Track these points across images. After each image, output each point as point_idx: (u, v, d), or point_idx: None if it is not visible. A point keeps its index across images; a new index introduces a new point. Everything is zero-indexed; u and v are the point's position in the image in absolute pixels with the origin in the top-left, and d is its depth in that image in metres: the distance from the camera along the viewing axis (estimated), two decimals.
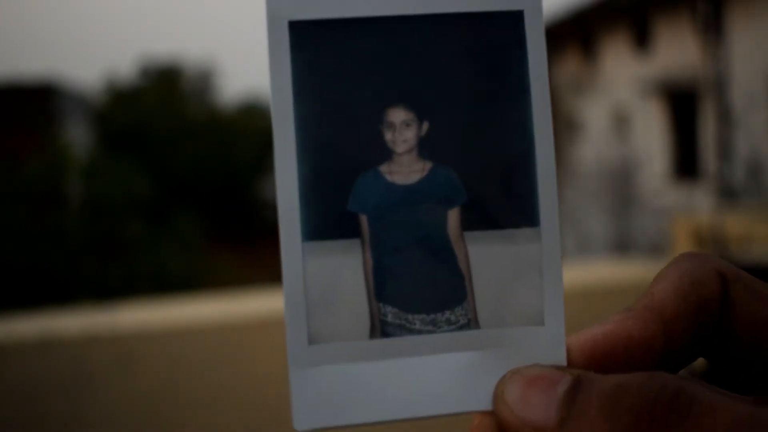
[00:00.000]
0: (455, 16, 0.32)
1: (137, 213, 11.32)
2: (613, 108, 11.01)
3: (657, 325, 0.30)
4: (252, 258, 14.22)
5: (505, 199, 0.32)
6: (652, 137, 10.22)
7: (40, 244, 10.01)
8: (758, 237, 3.41)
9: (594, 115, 11.49)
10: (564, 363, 0.31)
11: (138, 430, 2.62)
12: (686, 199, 9.23)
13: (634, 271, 3.27)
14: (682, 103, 9.63)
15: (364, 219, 0.32)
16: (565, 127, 12.16)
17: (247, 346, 2.67)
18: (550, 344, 0.32)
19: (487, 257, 0.32)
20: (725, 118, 8.54)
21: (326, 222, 0.31)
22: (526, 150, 0.33)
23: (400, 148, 0.32)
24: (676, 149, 9.85)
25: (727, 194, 8.21)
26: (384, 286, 0.32)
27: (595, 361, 0.30)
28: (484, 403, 0.31)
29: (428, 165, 0.32)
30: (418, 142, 0.32)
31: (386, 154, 0.32)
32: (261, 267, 13.27)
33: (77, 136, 14.74)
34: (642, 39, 10.32)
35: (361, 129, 0.32)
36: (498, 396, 0.30)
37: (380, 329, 0.31)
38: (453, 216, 0.32)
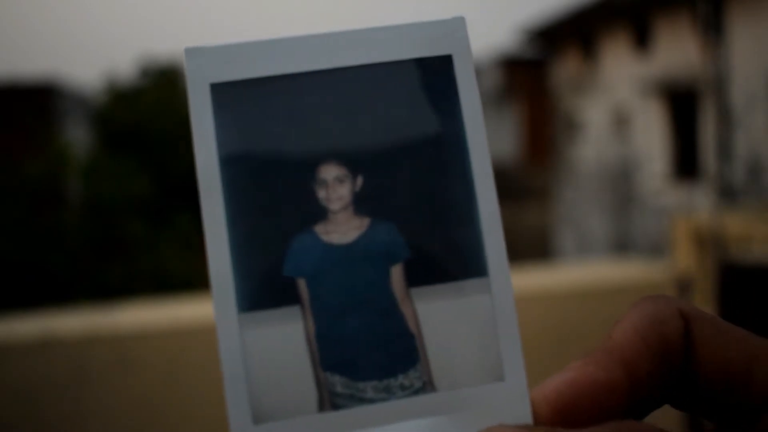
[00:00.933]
0: (382, 65, 0.31)
1: (137, 213, 11.32)
2: (613, 108, 11.01)
3: (619, 368, 0.28)
4: None
5: (449, 251, 0.31)
6: (652, 137, 10.22)
7: (40, 243, 10.01)
8: (758, 237, 3.41)
9: (594, 115, 11.49)
10: (529, 418, 0.29)
11: (138, 430, 2.62)
12: (686, 199, 9.23)
13: (634, 271, 3.27)
14: (682, 103, 9.63)
15: (302, 283, 0.30)
16: (565, 127, 12.16)
17: None
18: (512, 400, 0.30)
19: (436, 313, 0.30)
20: (725, 118, 8.54)
21: (262, 290, 0.30)
22: (467, 198, 0.31)
23: (334, 206, 0.30)
24: (676, 149, 9.85)
25: (727, 194, 8.20)
26: (329, 355, 0.30)
27: (562, 413, 0.29)
28: None
29: (366, 221, 0.30)
30: (354, 198, 0.30)
31: (321, 213, 0.30)
32: None
33: (77, 136, 14.74)
34: (642, 39, 10.32)
35: (293, 189, 0.30)
36: None
37: (329, 401, 0.29)
38: (396, 272, 0.30)
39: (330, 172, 0.30)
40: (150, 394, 2.62)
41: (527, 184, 13.85)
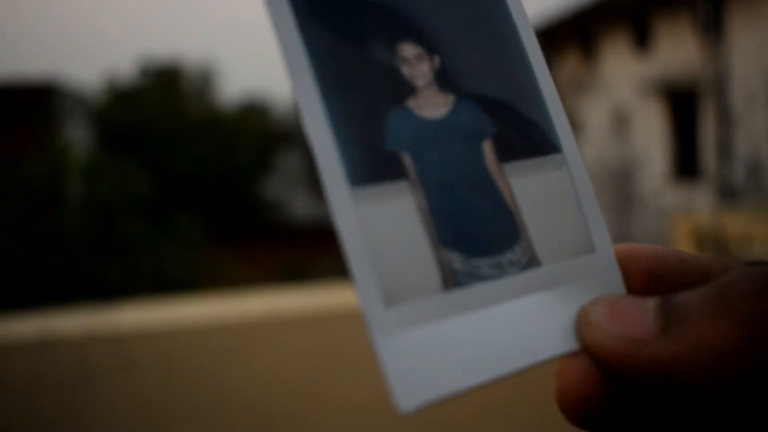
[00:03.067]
0: None
1: (137, 213, 11.32)
2: (613, 108, 11.01)
3: (702, 263, 0.29)
4: (252, 258, 14.22)
5: (528, 128, 0.31)
6: (652, 137, 10.22)
7: (40, 243, 10.02)
8: (758, 237, 3.41)
9: (594, 115, 11.50)
10: (622, 286, 0.30)
11: (138, 430, 2.62)
12: (686, 199, 9.23)
13: None
14: (682, 103, 9.63)
15: (407, 158, 0.29)
16: None
17: (247, 346, 2.67)
18: (605, 269, 0.30)
19: (527, 188, 0.30)
20: (725, 118, 8.54)
21: (369, 164, 0.28)
22: (529, 78, 0.32)
23: (420, 82, 0.30)
24: (676, 149, 9.85)
25: (727, 194, 8.21)
26: (445, 231, 0.29)
27: (654, 273, 0.29)
28: (569, 344, 0.29)
29: (451, 98, 0.30)
30: (435, 76, 0.30)
31: (409, 89, 0.30)
32: (261, 267, 13.26)
33: (77, 136, 14.75)
34: (642, 39, 10.32)
35: (378, 66, 0.29)
36: (584, 320, 0.28)
37: (453, 279, 0.28)
38: (488, 148, 0.30)
39: (409, 50, 0.30)
40: (150, 394, 2.62)
41: None
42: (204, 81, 19.55)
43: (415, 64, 0.30)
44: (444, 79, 0.30)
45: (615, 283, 0.30)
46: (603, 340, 0.27)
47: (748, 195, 8.14)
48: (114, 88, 18.38)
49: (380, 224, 0.28)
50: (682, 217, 3.81)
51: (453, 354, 0.27)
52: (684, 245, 3.33)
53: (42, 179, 10.87)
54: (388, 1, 0.30)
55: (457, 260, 0.29)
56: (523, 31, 0.32)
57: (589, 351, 0.28)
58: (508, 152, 0.30)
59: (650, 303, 0.27)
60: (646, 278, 0.29)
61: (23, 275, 9.76)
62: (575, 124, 11.87)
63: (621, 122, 10.83)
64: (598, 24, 11.16)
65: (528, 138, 0.31)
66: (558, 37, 12.27)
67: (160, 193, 13.77)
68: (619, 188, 10.81)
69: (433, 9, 0.31)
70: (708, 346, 0.25)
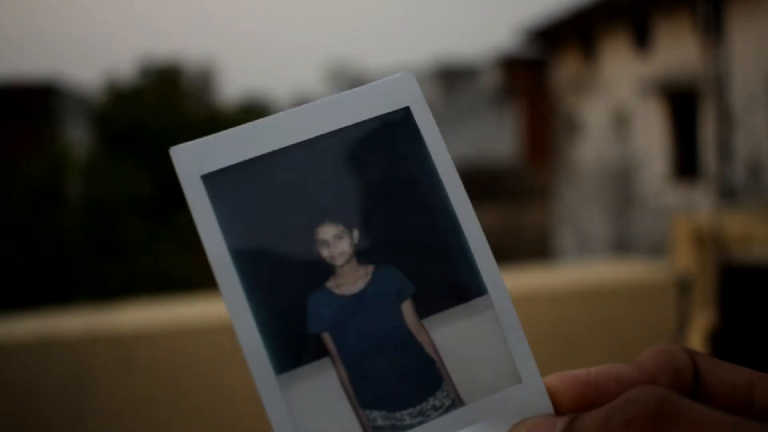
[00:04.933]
0: (351, 127, 0.34)
1: (137, 213, 11.32)
2: (613, 108, 11.01)
3: (641, 374, 0.32)
4: None
5: (449, 278, 0.34)
6: (652, 137, 10.22)
7: (40, 244, 10.01)
8: (758, 237, 3.41)
9: (594, 115, 11.49)
10: (550, 408, 0.33)
11: (138, 430, 2.62)
12: (686, 199, 9.23)
13: (634, 271, 3.27)
14: (682, 103, 9.63)
15: (326, 336, 0.33)
16: (565, 127, 12.16)
17: None
18: (533, 398, 0.33)
19: (450, 336, 0.34)
20: (725, 118, 8.54)
21: (293, 350, 0.32)
22: (453, 229, 0.34)
23: (339, 261, 0.33)
24: (676, 149, 9.85)
25: (727, 194, 8.20)
26: (365, 394, 0.33)
27: (586, 398, 0.32)
28: None
29: (370, 268, 0.34)
30: (355, 250, 0.33)
31: (329, 269, 0.33)
32: None
33: (77, 136, 14.74)
34: (642, 39, 10.32)
35: (298, 254, 0.33)
36: None
37: None
38: (407, 308, 0.34)
39: (328, 231, 0.33)
40: (150, 394, 2.62)
41: (527, 184, 13.84)
42: (204, 81, 19.53)
43: (334, 244, 0.33)
44: (364, 251, 0.34)
45: (543, 409, 0.33)
46: None
47: (748, 195, 8.15)
48: (114, 88, 18.36)
49: (305, 401, 0.32)
50: (682, 217, 3.80)
51: None
52: (684, 245, 3.33)
53: (42, 179, 10.87)
54: (307, 188, 0.34)
55: (379, 418, 0.33)
56: (446, 178, 0.34)
57: None
58: (429, 307, 0.34)
59: (559, 425, 0.31)
60: (579, 403, 0.33)
61: (23, 275, 9.76)
62: (575, 125, 11.88)
63: (621, 122, 10.83)
64: (598, 24, 11.16)
65: (450, 289, 0.34)
66: (558, 37, 12.27)
67: (160, 193, 13.76)
68: (619, 188, 10.81)
69: (351, 183, 0.34)
70: None
